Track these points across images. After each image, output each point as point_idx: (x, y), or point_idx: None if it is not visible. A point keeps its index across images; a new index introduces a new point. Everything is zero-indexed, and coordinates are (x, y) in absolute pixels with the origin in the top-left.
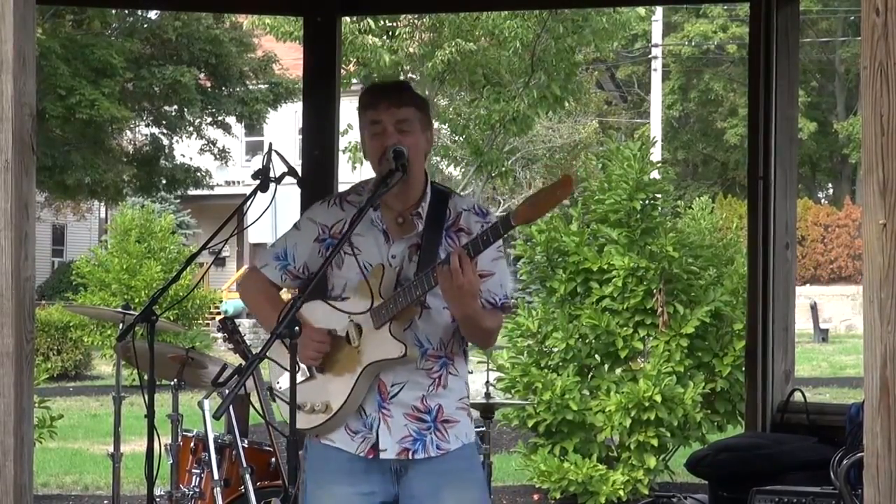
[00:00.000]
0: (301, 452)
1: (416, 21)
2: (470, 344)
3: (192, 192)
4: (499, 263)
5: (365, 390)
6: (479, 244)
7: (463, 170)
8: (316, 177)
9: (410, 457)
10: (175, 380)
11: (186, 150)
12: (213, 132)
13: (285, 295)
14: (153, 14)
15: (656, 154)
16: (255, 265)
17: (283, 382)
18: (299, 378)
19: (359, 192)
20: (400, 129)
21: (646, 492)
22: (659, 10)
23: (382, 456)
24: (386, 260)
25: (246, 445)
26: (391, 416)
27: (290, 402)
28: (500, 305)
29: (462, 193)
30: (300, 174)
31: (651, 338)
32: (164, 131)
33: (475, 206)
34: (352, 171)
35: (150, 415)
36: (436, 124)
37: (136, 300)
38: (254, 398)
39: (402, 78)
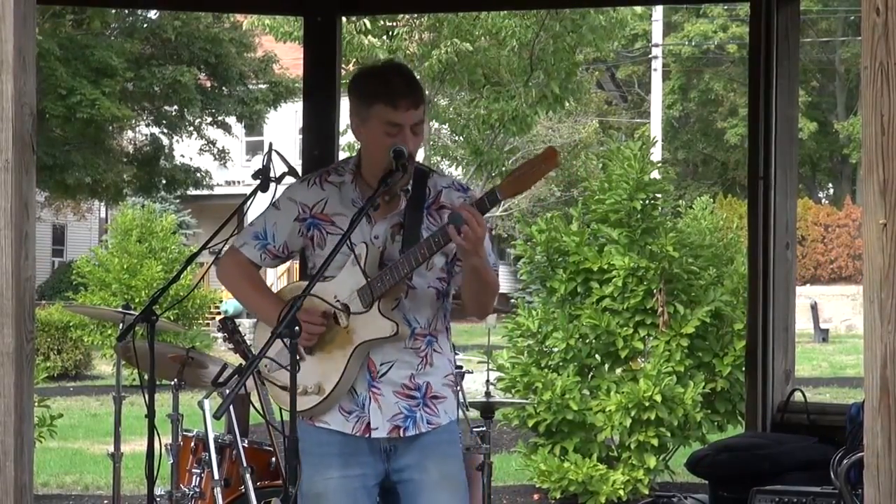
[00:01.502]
0: None
1: (414, 21)
2: (471, 327)
3: (193, 192)
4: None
5: (356, 370)
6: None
7: (463, 169)
8: None
9: (402, 434)
10: (175, 380)
11: (186, 150)
12: (213, 132)
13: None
14: (153, 14)
15: (656, 154)
16: (233, 245)
17: (272, 365)
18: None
19: (339, 172)
20: (414, 132)
21: (646, 492)
22: (659, 9)
23: (374, 435)
24: (369, 240)
25: (246, 445)
26: (381, 395)
27: (291, 403)
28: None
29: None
30: (300, 174)
31: (651, 338)
32: (165, 131)
33: (455, 183)
34: None
35: (151, 414)
36: (435, 124)
37: (137, 300)
38: (254, 398)
39: None
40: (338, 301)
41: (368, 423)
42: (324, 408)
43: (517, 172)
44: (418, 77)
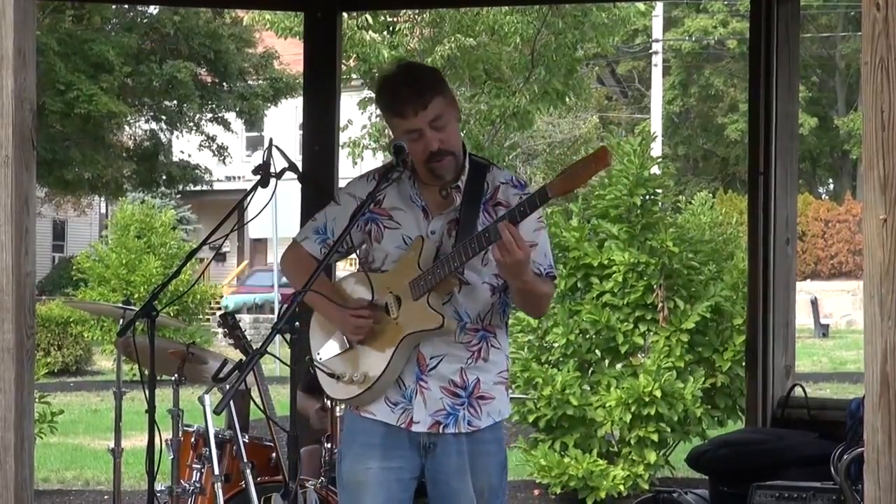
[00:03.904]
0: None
1: (415, 16)
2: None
3: (193, 187)
4: (541, 234)
5: (403, 361)
6: (517, 215)
7: None
8: (316, 172)
9: (441, 430)
10: (175, 375)
11: (186, 145)
12: (212, 128)
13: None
14: (153, 9)
15: (656, 149)
16: (295, 239)
17: (324, 353)
18: (338, 349)
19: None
20: (435, 127)
21: (646, 487)
22: (659, 5)
23: (415, 429)
24: (425, 235)
25: (246, 440)
26: (428, 389)
27: (291, 400)
28: (546, 275)
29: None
30: (300, 169)
31: (651, 333)
32: (164, 127)
33: (513, 179)
34: (353, 167)
35: (151, 410)
36: None
37: (136, 295)
38: (254, 393)
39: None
40: (390, 292)
41: (412, 417)
42: (368, 398)
43: (569, 171)
44: None
